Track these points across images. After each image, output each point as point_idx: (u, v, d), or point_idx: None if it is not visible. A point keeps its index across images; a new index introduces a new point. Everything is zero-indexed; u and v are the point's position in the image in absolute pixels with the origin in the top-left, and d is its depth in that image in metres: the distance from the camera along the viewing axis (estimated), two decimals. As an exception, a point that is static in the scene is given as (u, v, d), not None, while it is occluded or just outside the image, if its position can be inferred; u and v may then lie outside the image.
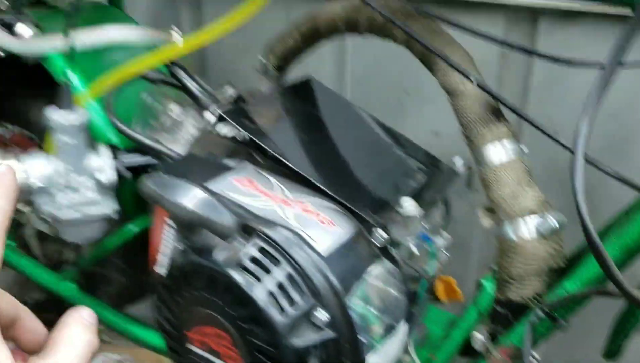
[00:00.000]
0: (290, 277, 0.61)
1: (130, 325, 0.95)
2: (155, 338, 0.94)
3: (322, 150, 0.77)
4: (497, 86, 1.12)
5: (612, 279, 0.47)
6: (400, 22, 0.68)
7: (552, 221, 0.65)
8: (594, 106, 0.47)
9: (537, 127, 0.60)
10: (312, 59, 1.20)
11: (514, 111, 0.63)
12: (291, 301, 0.60)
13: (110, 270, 1.07)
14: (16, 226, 1.13)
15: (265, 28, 1.00)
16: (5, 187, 0.35)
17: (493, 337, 0.70)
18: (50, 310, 1.04)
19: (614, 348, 0.68)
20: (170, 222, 0.71)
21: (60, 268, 1.10)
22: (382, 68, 1.24)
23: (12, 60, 0.93)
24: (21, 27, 0.87)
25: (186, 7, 1.38)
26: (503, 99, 0.65)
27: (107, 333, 1.91)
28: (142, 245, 1.04)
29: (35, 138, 1.06)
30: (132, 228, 0.97)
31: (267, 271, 0.61)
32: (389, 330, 0.67)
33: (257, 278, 0.60)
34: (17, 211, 1.09)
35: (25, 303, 0.94)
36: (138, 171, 0.84)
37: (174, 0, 1.39)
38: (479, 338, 0.71)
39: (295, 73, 0.97)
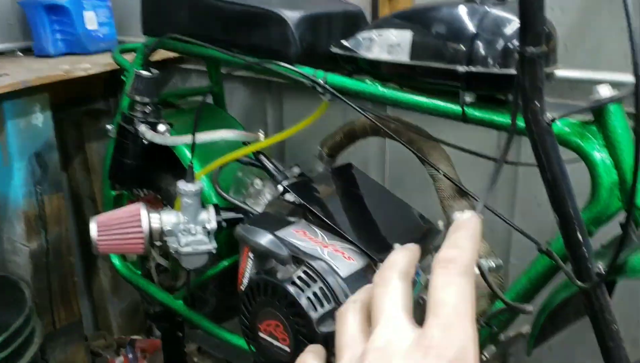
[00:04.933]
0: (322, 290, 0.99)
1: (221, 331, 1.35)
2: (237, 339, 1.34)
3: (351, 212, 1.16)
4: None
5: (508, 305, 0.83)
6: (399, 136, 1.07)
7: (492, 263, 1.01)
8: (492, 184, 0.83)
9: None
10: (363, 146, 1.62)
11: (463, 189, 1.00)
12: (321, 304, 0.98)
13: (206, 293, 1.48)
14: (143, 260, 1.58)
15: (329, 124, 1.41)
16: (475, 231, 0.38)
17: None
18: (165, 320, 1.48)
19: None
20: (251, 255, 1.12)
21: (171, 291, 1.53)
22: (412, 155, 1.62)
23: (149, 146, 1.39)
24: (161, 127, 1.33)
25: (270, 104, 1.84)
26: (460, 184, 1.02)
27: (197, 355, 2.32)
28: (229, 277, 1.46)
29: (160, 198, 1.52)
30: (224, 263, 1.39)
31: (308, 285, 0.99)
32: (387, 330, 1.03)
33: (302, 290, 0.99)
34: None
35: (148, 313, 1.41)
36: (231, 223, 1.26)
37: (261, 98, 1.85)
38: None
39: (352, 156, 1.37)
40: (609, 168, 0.85)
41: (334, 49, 1.09)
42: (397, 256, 0.41)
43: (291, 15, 1.08)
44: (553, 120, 0.77)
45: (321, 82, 1.06)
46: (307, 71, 1.08)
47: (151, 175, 1.48)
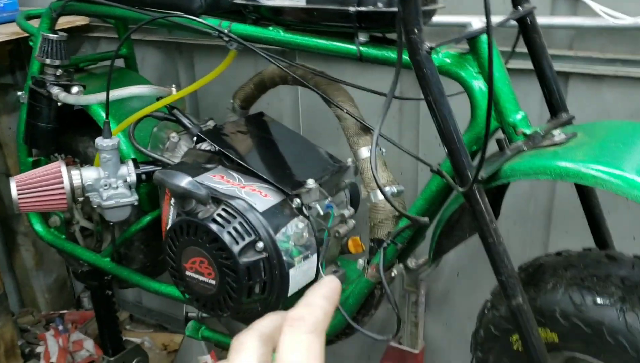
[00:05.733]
0: (241, 224, 1.07)
1: (150, 282, 1.41)
2: (166, 288, 1.40)
3: (265, 155, 1.24)
4: (400, 107, 1.60)
5: (407, 217, 0.94)
6: (306, 81, 1.16)
7: (395, 190, 1.12)
8: (383, 116, 0.93)
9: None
10: (277, 100, 1.70)
11: (364, 124, 1.10)
12: (242, 237, 1.06)
13: (132, 250, 1.53)
14: (67, 225, 1.60)
15: (240, 77, 1.47)
16: (332, 291, 0.37)
17: (369, 261, 1.16)
18: (94, 279, 1.51)
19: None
20: (172, 201, 1.18)
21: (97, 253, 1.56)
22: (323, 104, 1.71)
23: (63, 110, 1.41)
24: (74, 89, 1.35)
25: (182, 65, 1.87)
26: (362, 120, 1.12)
27: (129, 322, 2.36)
28: (153, 232, 1.51)
29: (78, 161, 1.54)
30: (147, 218, 1.44)
31: (228, 221, 1.07)
32: (305, 257, 1.13)
33: (223, 226, 1.07)
34: (69, 212, 1.56)
35: (76, 273, 1.46)
36: (150, 176, 1.31)
37: (173, 60, 1.88)
38: (361, 263, 1.17)
39: (267, 111, 1.44)
40: (484, 93, 0.97)
41: (237, 0, 1.15)
42: (262, 320, 0.37)
43: (194, -30, 1.13)
44: (432, 48, 0.88)
45: (226, 31, 1.13)
46: (212, 22, 1.14)
47: (67, 139, 1.50)
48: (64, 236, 1.59)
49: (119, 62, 1.68)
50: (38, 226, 1.58)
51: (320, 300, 0.37)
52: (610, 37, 1.29)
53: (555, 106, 1.06)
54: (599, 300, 0.91)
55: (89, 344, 2.06)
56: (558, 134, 0.94)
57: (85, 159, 1.50)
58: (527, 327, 0.92)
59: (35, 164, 1.53)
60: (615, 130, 0.95)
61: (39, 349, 2.08)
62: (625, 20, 1.22)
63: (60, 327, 2.11)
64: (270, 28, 1.11)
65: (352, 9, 0.97)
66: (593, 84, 1.33)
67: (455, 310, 1.71)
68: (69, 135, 1.50)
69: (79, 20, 1.84)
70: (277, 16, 1.10)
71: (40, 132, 1.38)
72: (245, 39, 1.12)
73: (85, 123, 1.48)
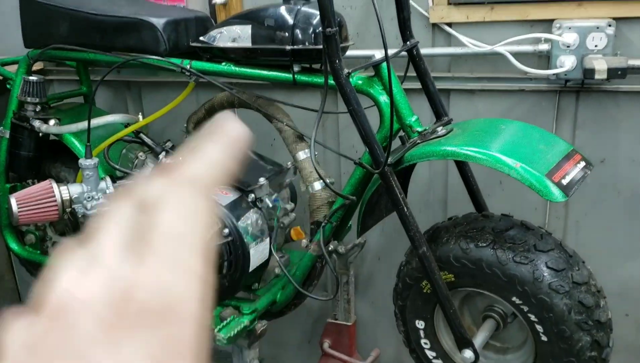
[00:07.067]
0: (211, 216, 1.37)
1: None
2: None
3: (221, 165, 1.55)
4: (323, 123, 1.95)
5: (340, 195, 1.28)
6: (251, 102, 1.49)
7: (329, 180, 1.46)
8: (317, 125, 1.28)
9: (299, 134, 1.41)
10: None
11: (301, 134, 1.44)
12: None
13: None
14: (41, 241, 1.82)
15: (183, 106, 1.77)
16: (230, 139, 0.30)
17: (311, 240, 1.49)
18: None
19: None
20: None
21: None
22: (261, 124, 2.04)
23: (42, 140, 1.65)
24: (52, 121, 1.60)
25: (131, 100, 2.14)
26: (298, 130, 1.46)
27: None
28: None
29: (50, 185, 1.76)
30: (119, 227, 1.69)
31: (200, 215, 1.36)
32: (260, 240, 1.44)
33: (196, 219, 1.36)
34: (40, 228, 1.78)
35: None
36: (124, 189, 1.57)
37: (122, 96, 2.14)
38: (305, 242, 1.49)
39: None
40: (388, 104, 1.34)
41: (194, 44, 1.47)
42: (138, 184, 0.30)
43: (158, 21, 1.44)
44: (349, 73, 1.24)
45: (188, 67, 1.44)
46: (175, 61, 1.45)
47: (42, 165, 1.73)
48: (38, 252, 1.80)
49: (79, 99, 1.93)
50: (14, 245, 1.78)
51: (214, 152, 0.30)
52: (476, 61, 1.71)
53: (438, 112, 1.44)
54: (478, 244, 1.29)
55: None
56: (440, 130, 1.32)
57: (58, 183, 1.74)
58: (431, 269, 1.28)
59: (13, 190, 1.75)
60: (480, 124, 1.34)
61: (3, 370, 2.22)
62: (486, 48, 1.65)
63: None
64: (224, 63, 1.43)
65: (288, 47, 1.31)
66: (467, 97, 1.74)
67: (378, 289, 2.06)
68: (44, 162, 1.73)
69: (35, 66, 2.07)
70: (227, 54, 1.43)
71: (23, 160, 1.62)
72: (203, 73, 1.44)
73: (57, 150, 1.72)
